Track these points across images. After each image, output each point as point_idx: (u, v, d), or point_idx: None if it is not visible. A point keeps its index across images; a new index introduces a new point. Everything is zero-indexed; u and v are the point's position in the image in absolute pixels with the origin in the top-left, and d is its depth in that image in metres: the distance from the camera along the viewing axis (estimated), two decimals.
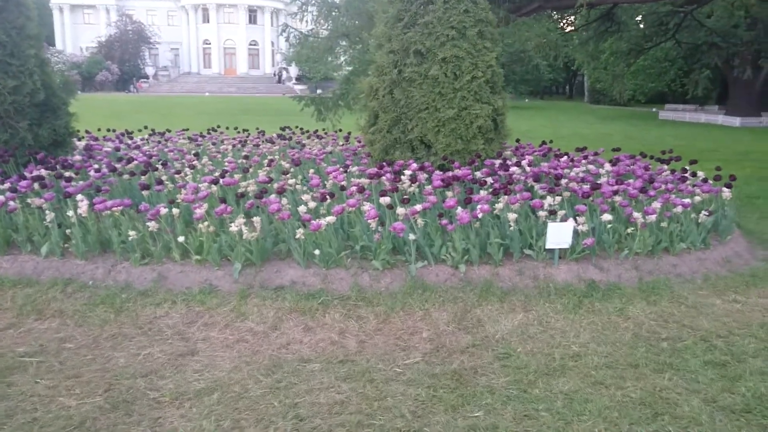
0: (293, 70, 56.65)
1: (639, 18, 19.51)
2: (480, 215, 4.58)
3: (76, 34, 61.05)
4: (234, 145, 8.21)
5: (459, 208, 4.62)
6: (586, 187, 5.19)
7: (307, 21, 15.07)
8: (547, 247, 4.50)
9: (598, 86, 37.25)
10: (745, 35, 16.85)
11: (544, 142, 8.50)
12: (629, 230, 4.78)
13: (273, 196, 4.89)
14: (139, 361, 3.35)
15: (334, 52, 14.04)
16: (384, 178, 5.54)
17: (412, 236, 4.39)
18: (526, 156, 7.22)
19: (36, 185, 4.95)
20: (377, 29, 6.89)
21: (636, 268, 4.65)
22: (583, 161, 7.04)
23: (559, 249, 4.58)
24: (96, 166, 5.99)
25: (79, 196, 4.65)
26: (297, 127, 10.54)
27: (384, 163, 6.03)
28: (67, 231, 4.52)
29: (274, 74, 60.12)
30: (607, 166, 6.62)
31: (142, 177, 5.68)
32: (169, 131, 9.89)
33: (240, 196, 4.94)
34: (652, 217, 4.76)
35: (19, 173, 5.53)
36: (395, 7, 6.59)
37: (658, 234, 4.87)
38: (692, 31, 17.46)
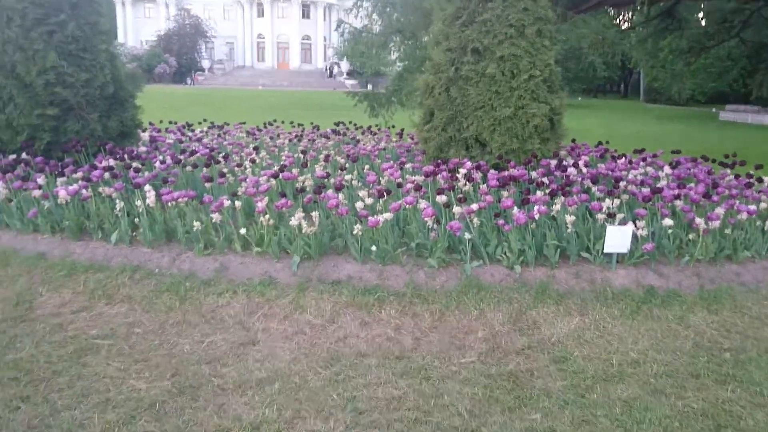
0: (344, 65, 57.07)
1: (701, 15, 18.84)
2: (537, 216, 4.55)
3: (136, 27, 63.06)
4: (290, 140, 8.37)
5: (515, 209, 4.61)
6: (646, 190, 5.09)
7: (360, 17, 15.16)
8: (605, 251, 4.44)
9: (656, 85, 36.16)
10: None
11: (600, 143, 8.36)
12: (691, 236, 4.66)
13: (331, 192, 4.98)
14: (203, 349, 3.49)
15: (387, 47, 14.07)
16: (439, 176, 5.57)
17: (467, 235, 4.40)
18: (582, 156, 7.12)
19: (107, 175, 5.18)
20: (434, 27, 6.91)
21: (697, 275, 4.54)
22: (642, 163, 6.90)
23: (618, 253, 4.51)
24: (161, 157, 6.21)
25: (146, 187, 4.85)
26: (351, 122, 10.64)
27: (439, 161, 6.05)
28: (136, 220, 4.72)
29: (326, 69, 60.66)
30: (667, 169, 6.47)
31: (205, 169, 5.87)
32: (227, 124, 10.13)
33: (299, 191, 5.05)
34: (716, 224, 4.64)
35: (91, 163, 5.79)
36: (453, 4, 6.57)
37: (721, 241, 4.74)
38: (758, 29, 16.81)
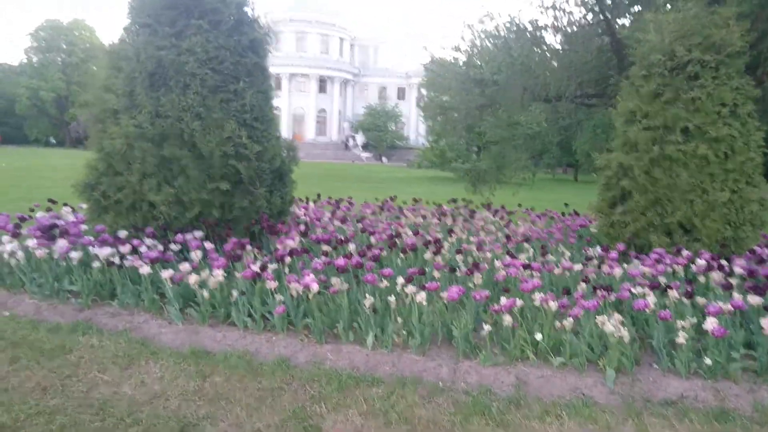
0: (359, 138, 57.75)
1: None
2: None
3: None
4: (439, 220, 7.68)
5: None
6: None
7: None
8: None
9: None
10: None
11: None
12: None
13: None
14: None
15: (473, 122, 13.66)
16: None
17: None
18: None
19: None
20: (625, 102, 6.43)
21: None
22: None
23: None
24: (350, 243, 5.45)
25: (399, 280, 4.11)
26: (463, 199, 10.02)
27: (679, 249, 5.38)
28: (399, 320, 3.96)
29: (342, 141, 61.10)
30: None
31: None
32: (313, 200, 9.40)
33: (601, 289, 4.22)
34: None
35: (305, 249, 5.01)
36: (654, 81, 6.12)
37: None
38: None
